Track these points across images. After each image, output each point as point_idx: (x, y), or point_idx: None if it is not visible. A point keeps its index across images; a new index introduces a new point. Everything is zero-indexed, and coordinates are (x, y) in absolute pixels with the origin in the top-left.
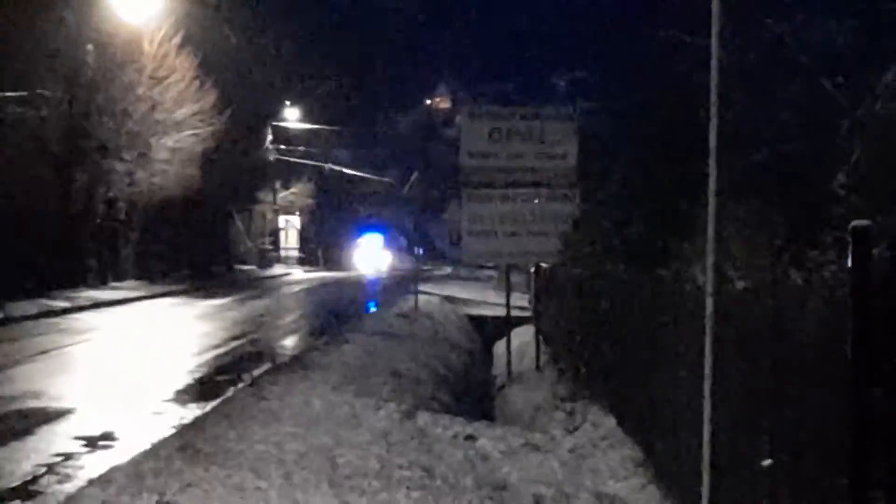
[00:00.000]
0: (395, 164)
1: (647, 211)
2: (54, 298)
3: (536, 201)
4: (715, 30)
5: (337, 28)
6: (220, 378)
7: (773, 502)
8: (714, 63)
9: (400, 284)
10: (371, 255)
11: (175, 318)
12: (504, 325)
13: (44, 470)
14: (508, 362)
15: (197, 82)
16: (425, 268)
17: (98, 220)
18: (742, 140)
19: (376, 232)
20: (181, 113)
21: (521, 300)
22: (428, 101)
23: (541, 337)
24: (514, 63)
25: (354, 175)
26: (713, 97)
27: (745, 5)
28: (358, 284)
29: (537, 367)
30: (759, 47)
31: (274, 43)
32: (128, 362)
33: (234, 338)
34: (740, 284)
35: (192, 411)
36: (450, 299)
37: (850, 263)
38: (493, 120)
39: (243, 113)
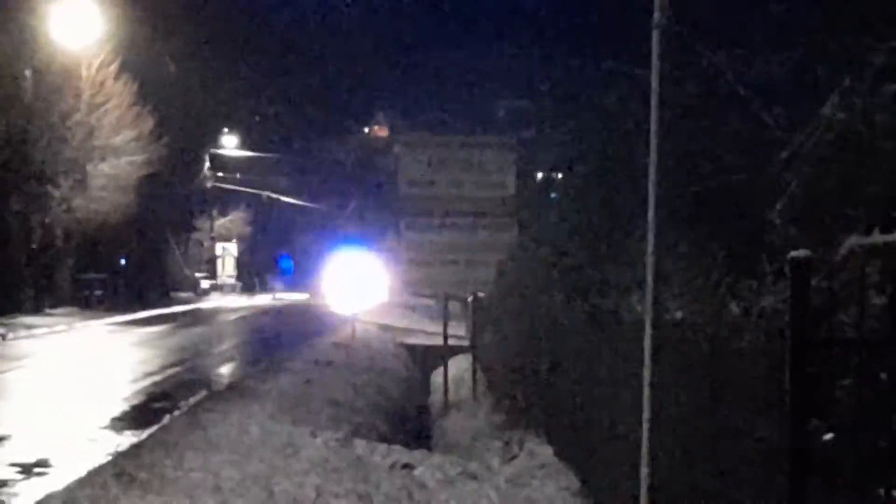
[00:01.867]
0: (334, 193)
1: (584, 241)
2: None
3: (475, 231)
4: (655, 62)
5: (276, 55)
6: (156, 405)
7: None
8: (654, 95)
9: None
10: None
11: (111, 345)
12: (441, 354)
13: None
14: (445, 391)
15: (135, 109)
16: None
17: (34, 247)
18: (681, 171)
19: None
20: (119, 139)
21: (458, 329)
22: (366, 129)
23: (478, 366)
24: (453, 91)
25: (292, 203)
26: (653, 128)
27: (683, 37)
28: (293, 312)
29: (474, 396)
30: (698, 79)
31: (212, 70)
32: (63, 389)
33: (171, 365)
34: (678, 314)
35: (128, 438)
36: (387, 328)
37: (788, 294)
38: (431, 148)
39: (181, 139)
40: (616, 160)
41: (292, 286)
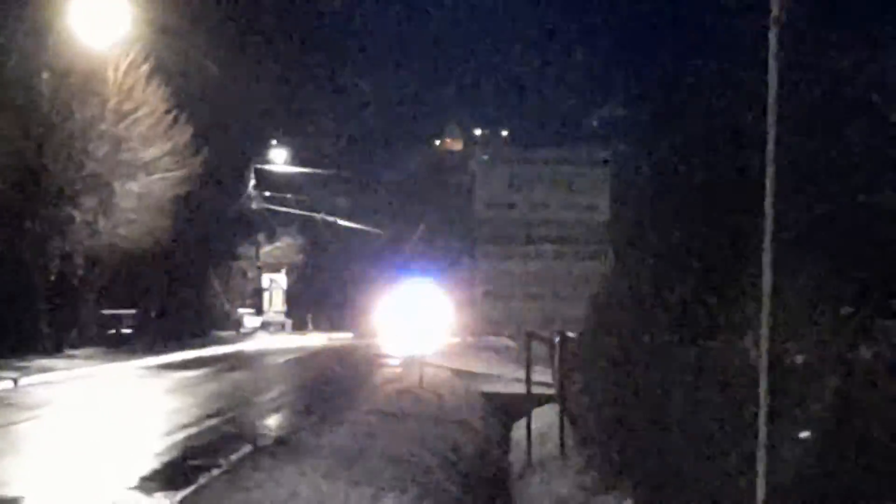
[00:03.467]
0: (399, 215)
1: (691, 273)
2: (0, 367)
3: (562, 260)
4: (772, 63)
5: (333, 57)
6: (192, 462)
7: None
8: (771, 102)
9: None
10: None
11: (141, 392)
12: (524, 404)
13: None
14: (528, 447)
15: (169, 118)
16: None
17: (52, 278)
18: (803, 189)
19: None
20: (150, 153)
21: (543, 374)
22: (437, 142)
23: (566, 418)
24: (537, 99)
25: (350, 227)
26: (770, 138)
27: (805, 35)
28: (351, 354)
29: (562, 454)
30: (823, 83)
31: (259, 74)
32: (85, 443)
33: (210, 416)
34: (799, 359)
35: (160, 501)
36: (460, 373)
37: None
38: (513, 164)
39: (222, 154)
40: (727, 178)
41: (350, 324)
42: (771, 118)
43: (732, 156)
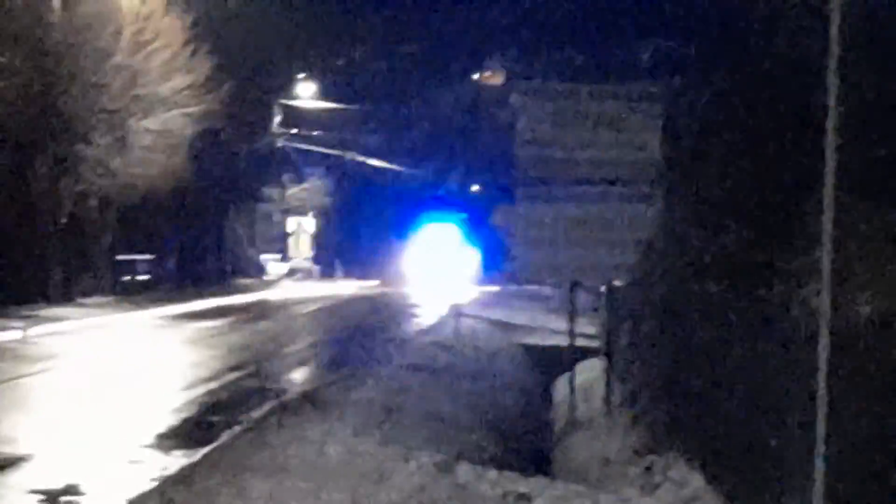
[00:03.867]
0: (435, 154)
1: (748, 215)
2: (7, 317)
3: (610, 203)
4: None
5: None
6: (212, 419)
7: None
8: (835, 32)
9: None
10: (441, 260)
11: (158, 344)
12: (567, 358)
13: None
14: (571, 404)
15: (188, 50)
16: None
17: (64, 220)
18: (870, 127)
19: (448, 218)
20: (168, 87)
21: (588, 326)
22: (475, 76)
23: (613, 373)
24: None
25: (382, 167)
26: (832, 75)
27: None
28: (384, 304)
29: (607, 411)
30: (891, 13)
31: (285, 2)
32: (98, 398)
33: (231, 368)
34: (866, 310)
35: (178, 460)
36: (499, 324)
37: None
38: (557, 100)
39: (246, 88)
40: (788, 115)
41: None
42: (834, 49)
43: (794, 92)
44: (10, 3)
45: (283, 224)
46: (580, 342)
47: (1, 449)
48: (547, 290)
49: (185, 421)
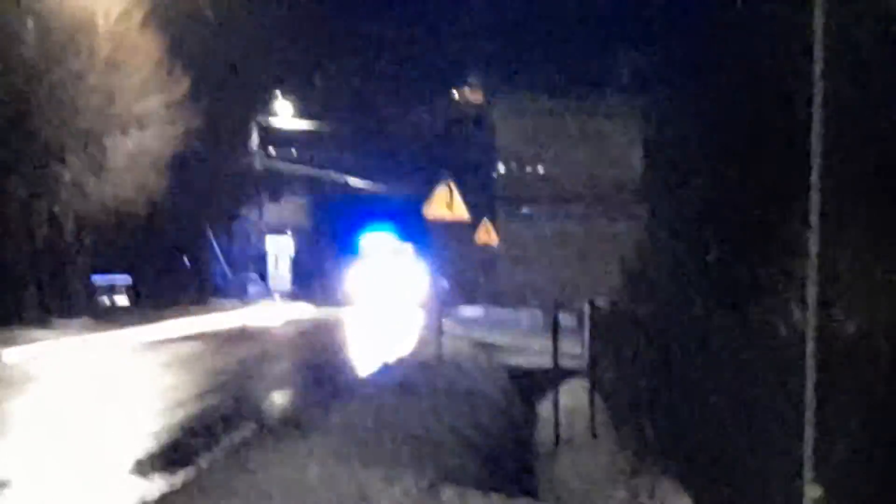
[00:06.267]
0: (414, 173)
1: (731, 230)
2: None
3: (592, 220)
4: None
5: (340, 2)
6: (192, 442)
7: None
8: (818, 39)
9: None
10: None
11: (135, 366)
12: (551, 378)
13: None
14: (556, 424)
15: (164, 68)
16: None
17: (38, 242)
18: (854, 133)
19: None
20: (144, 106)
21: (572, 346)
22: (454, 93)
23: (597, 393)
24: (563, 42)
25: (360, 187)
26: (817, 83)
27: None
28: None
29: (592, 432)
30: (874, 21)
31: (262, 19)
32: (75, 422)
33: (211, 391)
34: (853, 326)
35: (157, 484)
36: (482, 344)
37: None
38: (538, 116)
39: (223, 108)
40: (771, 124)
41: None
42: (818, 55)
43: (777, 102)
44: None
45: (262, 244)
46: (564, 362)
47: None
48: (531, 309)
49: (164, 445)
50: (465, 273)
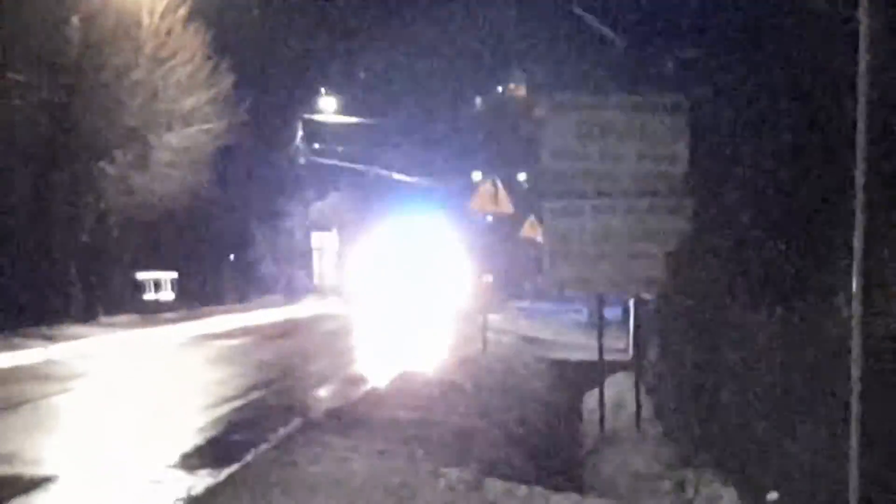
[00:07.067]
0: (459, 168)
1: (778, 226)
2: (29, 336)
3: (638, 215)
4: None
5: None
6: (237, 438)
7: None
8: (864, 35)
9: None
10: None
11: (181, 362)
12: (596, 372)
13: None
14: (601, 418)
15: (209, 65)
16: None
17: (84, 239)
18: None
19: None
20: (189, 103)
21: (617, 341)
22: (500, 89)
23: (642, 387)
24: (607, 39)
25: (406, 181)
26: (863, 80)
27: None
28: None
29: (638, 425)
30: None
31: (307, 15)
32: (122, 417)
33: (256, 387)
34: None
35: (202, 480)
36: (527, 339)
37: None
38: (583, 112)
39: (267, 104)
40: (817, 122)
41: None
42: (864, 53)
43: (824, 100)
44: (29, 20)
45: (307, 240)
46: (609, 356)
47: (25, 470)
48: (577, 304)
49: (209, 440)
50: (510, 267)
